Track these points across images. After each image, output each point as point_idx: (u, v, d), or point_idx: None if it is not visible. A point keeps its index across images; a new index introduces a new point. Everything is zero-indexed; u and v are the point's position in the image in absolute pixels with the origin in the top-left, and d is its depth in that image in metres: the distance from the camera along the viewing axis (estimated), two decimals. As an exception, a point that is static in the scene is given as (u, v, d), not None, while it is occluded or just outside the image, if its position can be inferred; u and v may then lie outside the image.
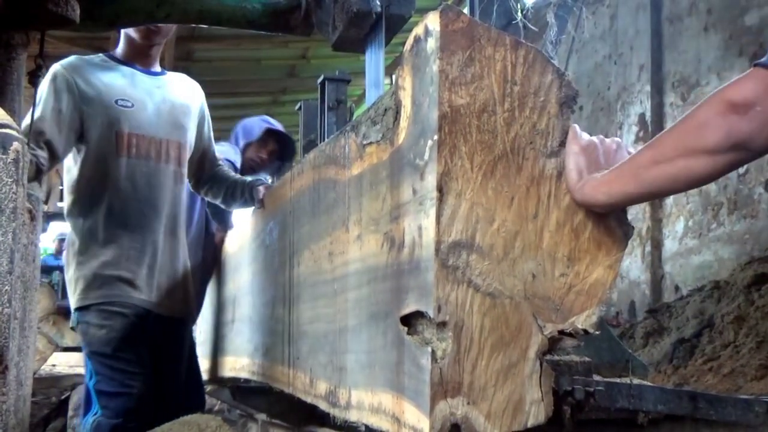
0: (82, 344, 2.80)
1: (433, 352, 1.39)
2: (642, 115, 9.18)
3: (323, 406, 2.04)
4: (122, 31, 3.04)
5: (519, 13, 2.35)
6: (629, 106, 9.45)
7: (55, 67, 2.91)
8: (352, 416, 1.80)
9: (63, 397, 7.75)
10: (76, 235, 2.85)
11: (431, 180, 1.42)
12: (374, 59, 2.51)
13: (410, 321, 1.48)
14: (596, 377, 1.80)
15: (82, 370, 8.76)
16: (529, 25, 2.48)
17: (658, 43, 9.03)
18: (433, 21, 1.45)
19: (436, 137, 1.41)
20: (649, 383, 2.02)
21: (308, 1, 2.82)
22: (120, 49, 3.07)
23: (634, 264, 9.24)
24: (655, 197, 1.57)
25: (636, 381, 1.93)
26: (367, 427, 1.77)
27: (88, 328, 2.73)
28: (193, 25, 8.83)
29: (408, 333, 1.47)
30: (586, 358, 1.69)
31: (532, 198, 1.47)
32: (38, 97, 2.77)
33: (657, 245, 8.93)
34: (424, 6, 10.57)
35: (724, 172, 1.33)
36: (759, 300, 7.01)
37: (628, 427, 1.93)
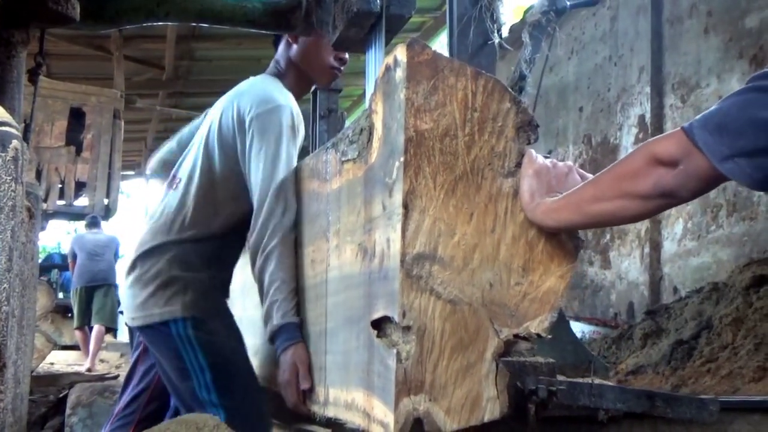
0: (192, 355, 2.52)
1: (398, 354, 1.57)
2: (642, 117, 9.32)
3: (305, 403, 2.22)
4: (297, 65, 2.74)
5: (495, 34, 2.50)
6: (629, 108, 9.58)
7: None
8: (329, 412, 1.98)
9: (61, 395, 7.84)
10: (187, 246, 2.60)
11: (398, 197, 1.60)
12: (374, 59, 2.57)
13: (380, 325, 1.66)
14: (560, 377, 1.97)
15: (80, 369, 8.93)
16: (505, 45, 2.63)
17: (659, 45, 9.17)
18: (401, 53, 1.63)
19: (402, 159, 1.59)
20: (609, 383, 2.19)
21: (308, 0, 2.86)
22: (289, 82, 2.72)
23: (632, 265, 9.37)
24: (597, 227, 1.80)
25: (597, 381, 2.10)
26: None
27: (213, 339, 2.51)
28: (194, 24, 9.00)
29: (377, 336, 1.65)
30: (551, 360, 1.86)
31: (490, 214, 1.65)
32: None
33: (656, 247, 9.05)
34: (424, 6, 10.72)
35: (655, 212, 1.58)
36: (757, 302, 7.06)
37: (589, 424, 2.10)
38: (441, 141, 1.61)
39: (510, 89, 1.66)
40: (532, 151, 1.69)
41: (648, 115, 9.19)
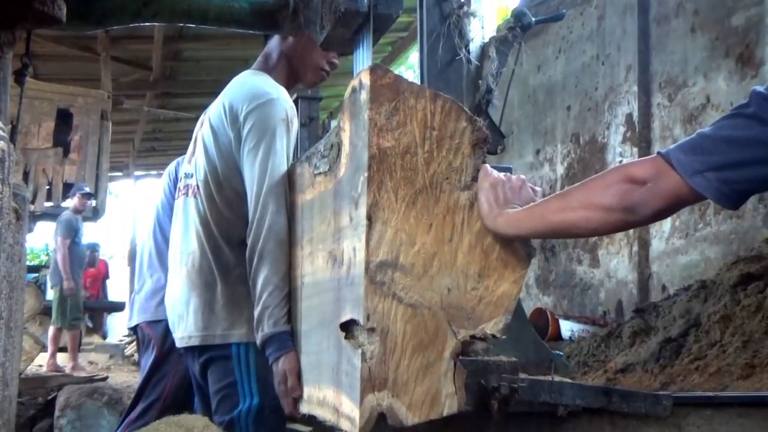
0: (246, 379, 2.52)
1: (364, 353, 1.74)
2: (629, 116, 9.48)
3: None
4: (289, 60, 2.79)
5: (463, 49, 2.64)
6: (617, 107, 9.74)
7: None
8: (304, 409, 2.16)
9: (49, 397, 7.96)
10: (234, 257, 2.54)
11: (363, 210, 1.77)
12: (362, 59, 2.62)
13: (348, 327, 1.83)
14: (522, 375, 2.14)
15: (68, 371, 9.04)
16: (473, 60, 2.77)
17: (646, 44, 9.33)
18: (365, 77, 1.80)
19: (366, 174, 1.76)
20: (568, 380, 2.36)
21: (296, 0, 2.87)
22: (277, 77, 2.73)
23: (621, 264, 9.53)
24: (555, 237, 1.97)
25: (557, 378, 2.27)
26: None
27: (268, 367, 2.37)
28: (181, 25, 9.12)
29: (345, 337, 1.82)
30: (513, 359, 2.03)
31: (447, 225, 1.82)
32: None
33: (644, 245, 9.20)
34: (411, 6, 10.83)
35: (615, 228, 1.72)
36: (745, 299, 7.15)
37: (550, 419, 2.27)
38: (402, 158, 1.79)
39: (466, 109, 1.83)
40: (487, 165, 1.86)
41: (635, 114, 9.35)
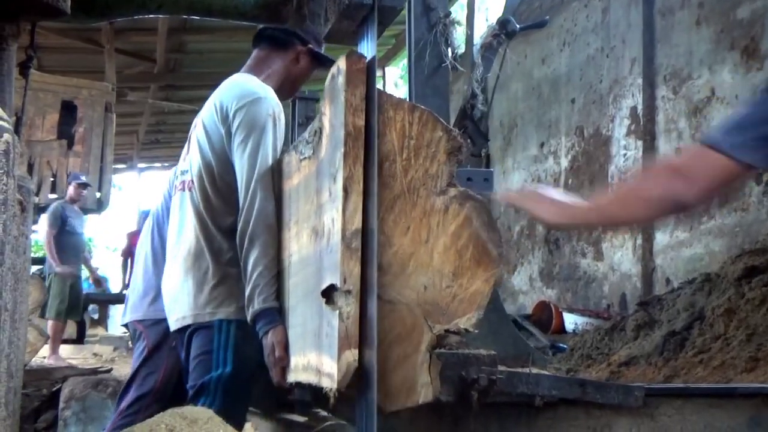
0: (222, 349, 2.71)
1: (341, 314, 1.93)
2: (634, 108, 9.59)
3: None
4: (287, 79, 3.00)
5: (449, 56, 2.79)
6: (621, 99, 9.85)
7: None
8: (291, 378, 2.36)
9: (54, 389, 8.04)
10: (226, 242, 2.74)
11: (340, 183, 1.96)
12: (366, 52, 2.70)
13: (328, 293, 2.00)
14: (501, 367, 2.30)
15: (73, 362, 9.18)
16: (459, 66, 2.90)
17: (650, 37, 9.42)
18: (342, 63, 2.02)
19: (342, 150, 1.95)
20: (545, 372, 2.53)
21: None
22: (275, 85, 2.91)
23: (625, 257, 9.64)
24: (606, 226, 2.27)
25: (534, 370, 2.44)
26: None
27: (246, 343, 2.65)
28: (185, 17, 9.22)
29: (326, 303, 2.00)
30: (492, 352, 2.20)
31: (424, 227, 2.00)
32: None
33: (648, 238, 9.29)
34: None
35: (657, 216, 1.97)
36: (749, 293, 7.17)
37: (528, 409, 2.43)
38: (381, 166, 1.97)
39: (442, 119, 2.00)
40: (528, 185, 2.05)
41: (640, 107, 9.45)
